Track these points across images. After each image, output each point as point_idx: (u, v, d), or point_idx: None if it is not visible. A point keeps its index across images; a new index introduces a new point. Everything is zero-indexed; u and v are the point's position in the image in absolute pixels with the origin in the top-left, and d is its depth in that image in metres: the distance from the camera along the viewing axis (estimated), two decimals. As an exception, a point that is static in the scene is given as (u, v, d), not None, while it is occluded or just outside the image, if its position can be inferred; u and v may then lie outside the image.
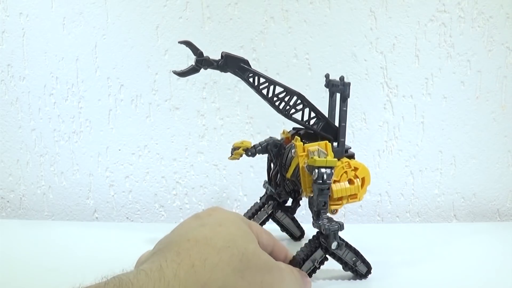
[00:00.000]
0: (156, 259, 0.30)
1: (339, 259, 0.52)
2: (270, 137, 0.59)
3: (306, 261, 0.50)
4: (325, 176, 0.49)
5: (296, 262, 0.49)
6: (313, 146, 0.51)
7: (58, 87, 0.78)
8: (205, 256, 0.30)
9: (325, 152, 0.51)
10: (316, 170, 0.49)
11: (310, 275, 0.50)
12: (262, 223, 0.64)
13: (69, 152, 0.80)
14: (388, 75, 0.74)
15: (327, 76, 0.56)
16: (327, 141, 0.52)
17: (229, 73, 0.75)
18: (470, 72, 0.73)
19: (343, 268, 0.53)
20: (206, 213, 0.36)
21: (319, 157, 0.50)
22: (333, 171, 0.49)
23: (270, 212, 0.63)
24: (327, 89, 0.56)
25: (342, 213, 0.76)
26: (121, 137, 0.79)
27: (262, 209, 0.63)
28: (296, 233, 0.65)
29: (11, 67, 0.78)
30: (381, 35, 0.73)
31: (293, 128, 0.58)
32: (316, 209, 0.50)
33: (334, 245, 0.50)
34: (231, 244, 0.32)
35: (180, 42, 0.51)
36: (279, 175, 0.58)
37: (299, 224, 0.65)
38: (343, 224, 0.50)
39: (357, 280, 0.53)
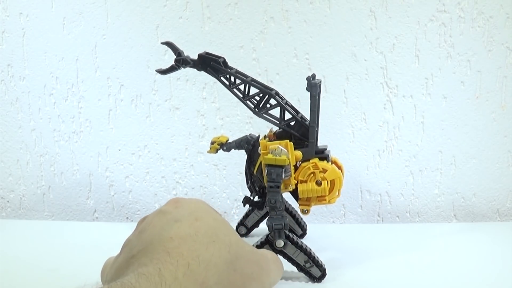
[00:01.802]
0: (149, 262, 0.29)
1: (289, 259, 0.52)
2: (250, 134, 0.58)
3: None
4: (273, 175, 0.49)
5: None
6: (274, 145, 0.51)
7: (58, 87, 0.78)
8: (197, 253, 0.30)
9: (286, 150, 0.51)
10: (267, 168, 0.49)
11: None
12: (255, 225, 0.64)
13: (69, 152, 0.80)
14: (388, 75, 0.74)
15: (308, 79, 0.56)
16: (288, 140, 0.51)
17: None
18: (470, 72, 0.73)
19: (296, 269, 0.52)
20: (171, 206, 0.35)
21: (278, 156, 0.50)
22: (283, 170, 0.49)
23: (264, 213, 0.62)
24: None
25: (342, 213, 0.76)
26: (121, 137, 0.79)
27: (253, 212, 0.63)
28: (298, 231, 0.65)
29: (11, 67, 0.78)
30: (381, 35, 0.73)
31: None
32: (267, 206, 0.51)
33: (279, 243, 0.51)
34: (215, 238, 0.32)
35: (162, 43, 0.56)
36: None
37: (300, 222, 0.65)
38: (287, 224, 0.51)
39: (357, 280, 0.53)
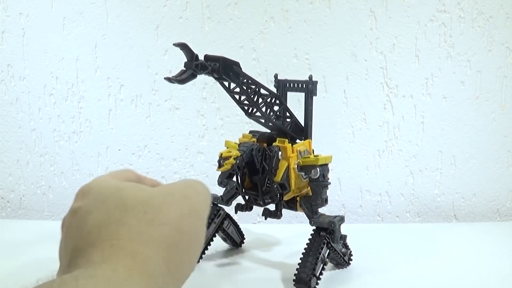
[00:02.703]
0: (78, 260, 0.28)
1: (334, 252, 0.52)
2: (243, 143, 0.54)
3: (317, 266, 0.49)
4: (325, 173, 0.51)
5: (305, 278, 0.48)
6: (301, 147, 0.52)
7: (58, 87, 0.78)
8: (115, 232, 0.29)
9: (309, 151, 0.52)
10: (318, 169, 0.49)
11: (321, 273, 0.50)
12: (212, 237, 0.59)
13: (69, 152, 0.80)
14: (388, 75, 0.74)
15: (275, 76, 0.56)
16: (310, 140, 0.53)
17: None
18: (470, 72, 0.73)
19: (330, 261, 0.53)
20: (79, 200, 0.34)
21: (307, 155, 0.51)
22: (328, 167, 0.51)
23: (219, 223, 0.59)
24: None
25: (342, 213, 0.76)
26: (121, 137, 0.79)
27: (213, 222, 0.58)
28: (238, 239, 0.63)
29: (11, 67, 0.78)
30: (381, 35, 0.73)
31: (250, 131, 0.56)
32: (316, 207, 0.51)
33: (338, 238, 0.52)
34: (126, 207, 0.31)
35: (175, 45, 0.46)
36: (267, 180, 0.52)
37: (240, 230, 0.63)
38: (343, 216, 0.52)
39: (357, 280, 0.53)
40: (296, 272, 0.50)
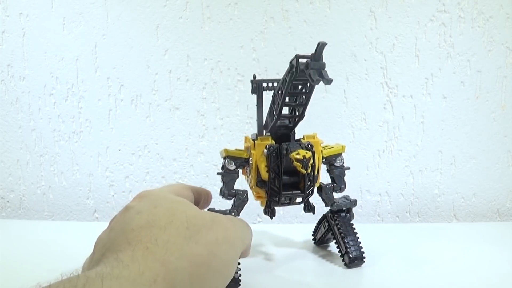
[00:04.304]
0: (109, 255, 0.30)
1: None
2: (270, 144, 0.52)
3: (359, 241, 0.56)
4: (344, 161, 0.56)
5: (360, 254, 0.55)
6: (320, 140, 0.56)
7: (58, 87, 0.78)
8: (155, 237, 0.31)
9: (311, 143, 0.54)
10: (341, 157, 0.55)
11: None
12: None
13: (69, 152, 0.80)
14: (388, 75, 0.74)
15: (254, 76, 0.55)
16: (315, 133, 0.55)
17: (229, 73, 0.75)
18: (470, 72, 0.73)
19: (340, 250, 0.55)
20: (135, 201, 0.36)
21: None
22: None
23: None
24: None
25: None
26: (121, 137, 0.79)
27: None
28: None
29: (11, 67, 0.78)
30: (381, 35, 0.73)
31: (258, 134, 0.54)
32: (339, 192, 0.56)
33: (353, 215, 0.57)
34: (173, 218, 0.33)
35: (323, 43, 0.40)
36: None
37: None
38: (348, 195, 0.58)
39: (357, 280, 0.53)
40: (345, 253, 0.54)
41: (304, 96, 0.47)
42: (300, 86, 0.46)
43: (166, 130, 0.78)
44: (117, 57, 0.76)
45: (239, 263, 0.47)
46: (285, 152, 0.49)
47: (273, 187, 0.50)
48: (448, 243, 0.64)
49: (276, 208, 0.53)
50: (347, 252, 0.54)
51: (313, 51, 0.40)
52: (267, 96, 0.58)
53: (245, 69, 0.75)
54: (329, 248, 0.61)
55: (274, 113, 0.50)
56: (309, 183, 0.51)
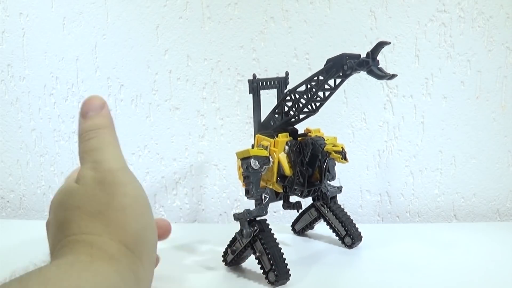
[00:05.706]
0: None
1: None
2: (290, 140, 0.54)
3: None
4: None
5: (359, 233, 0.61)
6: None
7: (58, 87, 0.78)
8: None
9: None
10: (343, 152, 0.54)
11: None
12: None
13: (69, 152, 0.80)
14: (388, 75, 0.74)
15: (254, 76, 0.56)
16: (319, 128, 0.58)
17: (229, 73, 0.75)
18: (470, 72, 0.73)
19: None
20: (47, 219, 0.40)
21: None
22: None
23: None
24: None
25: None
26: (121, 137, 0.78)
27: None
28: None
29: (11, 67, 0.78)
30: (381, 35, 0.73)
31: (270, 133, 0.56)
32: (331, 179, 0.58)
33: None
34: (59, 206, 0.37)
35: (385, 42, 0.49)
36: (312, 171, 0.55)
37: None
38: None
39: (357, 280, 0.53)
40: (348, 235, 0.59)
41: (324, 93, 0.53)
42: (332, 82, 0.53)
43: (166, 130, 0.78)
44: (117, 57, 0.76)
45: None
46: (311, 146, 0.52)
47: (298, 181, 0.53)
48: (448, 243, 0.64)
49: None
50: (348, 234, 0.59)
51: (372, 50, 0.48)
52: (266, 96, 0.58)
53: (245, 69, 0.75)
54: (328, 249, 0.61)
55: (294, 109, 0.53)
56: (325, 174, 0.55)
